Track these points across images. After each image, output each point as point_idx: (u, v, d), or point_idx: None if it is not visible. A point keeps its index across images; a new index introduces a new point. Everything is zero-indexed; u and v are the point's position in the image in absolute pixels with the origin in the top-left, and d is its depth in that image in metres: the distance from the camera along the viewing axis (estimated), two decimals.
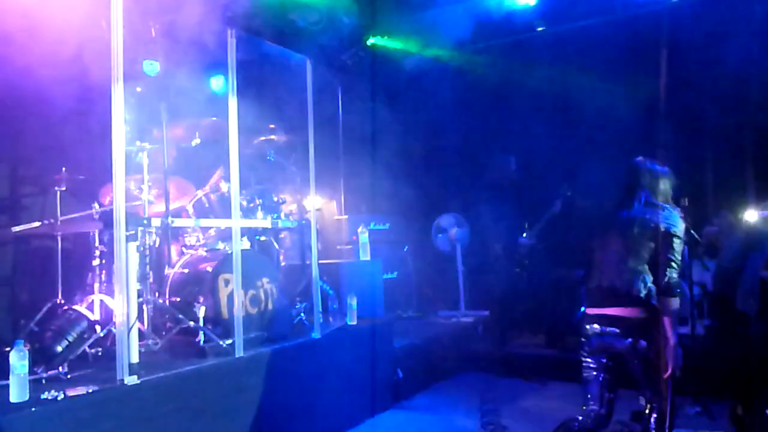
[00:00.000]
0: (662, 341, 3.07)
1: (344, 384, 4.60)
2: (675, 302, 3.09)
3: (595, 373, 3.24)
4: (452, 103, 7.10)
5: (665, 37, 6.32)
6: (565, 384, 5.36)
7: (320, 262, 4.82)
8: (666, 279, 3.09)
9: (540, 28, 7.04)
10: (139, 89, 4.28)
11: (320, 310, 4.67)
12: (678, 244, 3.13)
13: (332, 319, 5.15)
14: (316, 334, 4.49)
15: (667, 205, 3.28)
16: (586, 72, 6.43)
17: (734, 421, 4.05)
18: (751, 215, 4.06)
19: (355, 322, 5.03)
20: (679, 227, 3.17)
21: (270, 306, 4.33)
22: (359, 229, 6.20)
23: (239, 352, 3.80)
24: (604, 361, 3.23)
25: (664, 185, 3.36)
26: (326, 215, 6.71)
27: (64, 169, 4.22)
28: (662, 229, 3.14)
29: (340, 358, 4.63)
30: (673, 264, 3.11)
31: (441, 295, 7.37)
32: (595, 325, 3.22)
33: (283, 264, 5.20)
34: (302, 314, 4.87)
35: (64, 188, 4.19)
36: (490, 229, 6.61)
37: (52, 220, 4.09)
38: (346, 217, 6.69)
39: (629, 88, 6.38)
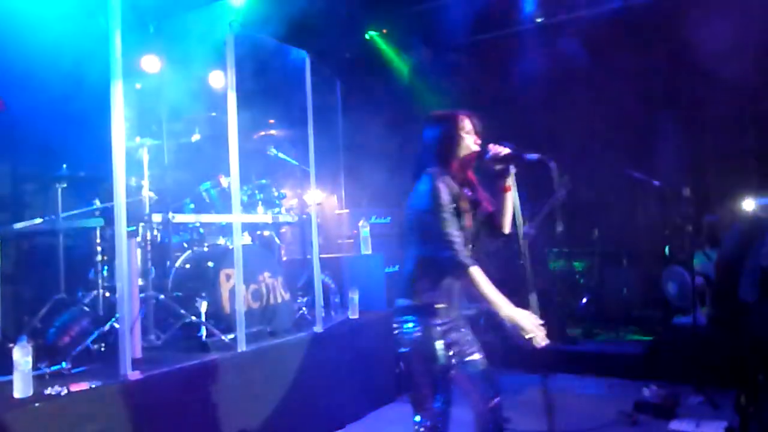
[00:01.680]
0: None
1: (346, 377, 4.61)
2: (469, 280, 2.52)
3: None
4: (452, 94, 7.07)
5: (666, 24, 6.29)
6: (567, 376, 5.38)
7: (321, 256, 4.83)
8: (448, 260, 2.53)
9: (539, 19, 7.02)
10: (138, 86, 4.29)
11: (322, 304, 4.68)
12: (434, 218, 2.52)
13: (334, 313, 5.17)
14: (318, 328, 4.51)
15: (430, 173, 2.61)
16: (586, 62, 6.40)
17: (738, 410, 4.05)
18: (750, 204, 4.05)
19: (356, 316, 5.05)
20: (434, 200, 2.52)
21: (272, 300, 4.35)
22: (360, 223, 6.20)
23: (241, 347, 3.82)
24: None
25: (443, 147, 2.70)
26: (327, 209, 6.71)
27: (64, 165, 4.23)
28: (413, 208, 2.61)
29: (342, 352, 4.64)
30: (445, 241, 2.51)
31: None
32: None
33: (284, 258, 5.21)
34: (304, 308, 4.89)
35: (65, 185, 4.20)
36: None
37: (53, 217, 4.10)
38: (347, 211, 6.69)
39: (629, 78, 6.35)
